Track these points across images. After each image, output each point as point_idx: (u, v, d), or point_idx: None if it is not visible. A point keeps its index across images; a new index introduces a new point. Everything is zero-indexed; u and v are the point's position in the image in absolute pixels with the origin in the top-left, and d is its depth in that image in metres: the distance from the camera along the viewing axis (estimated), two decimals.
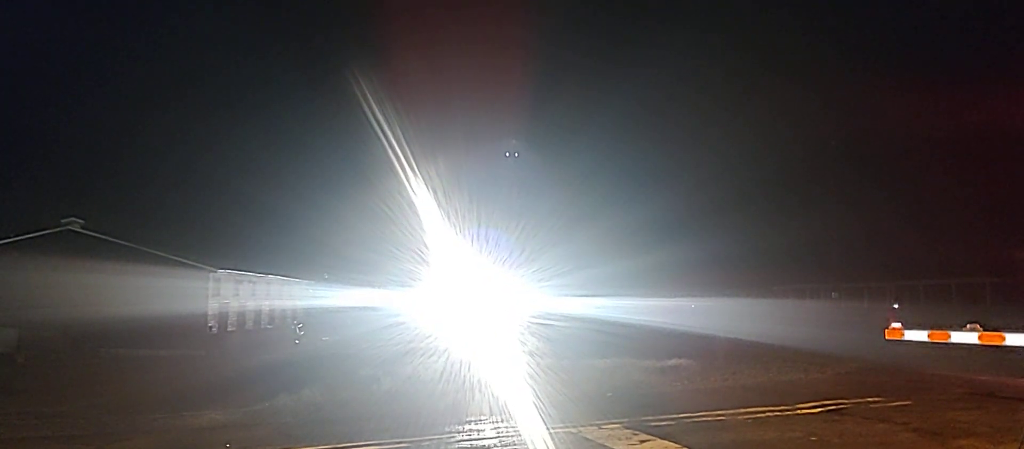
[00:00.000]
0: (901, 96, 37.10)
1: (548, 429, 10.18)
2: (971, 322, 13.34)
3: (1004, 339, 12.63)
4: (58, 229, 24.23)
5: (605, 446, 9.22)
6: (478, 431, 10.39)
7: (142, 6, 53.39)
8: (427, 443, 9.61)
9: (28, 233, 24.12)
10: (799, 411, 11.66)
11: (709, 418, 11.14)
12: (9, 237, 23.98)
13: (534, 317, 23.92)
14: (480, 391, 13.51)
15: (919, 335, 14.09)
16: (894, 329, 14.55)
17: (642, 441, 9.44)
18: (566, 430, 10.06)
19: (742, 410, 11.71)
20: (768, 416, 11.28)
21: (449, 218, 21.22)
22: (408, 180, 19.68)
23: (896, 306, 30.12)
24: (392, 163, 19.31)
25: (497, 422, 11.02)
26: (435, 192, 20.54)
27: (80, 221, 24.51)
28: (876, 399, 12.69)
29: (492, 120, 30.96)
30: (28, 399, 13.64)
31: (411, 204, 20.49)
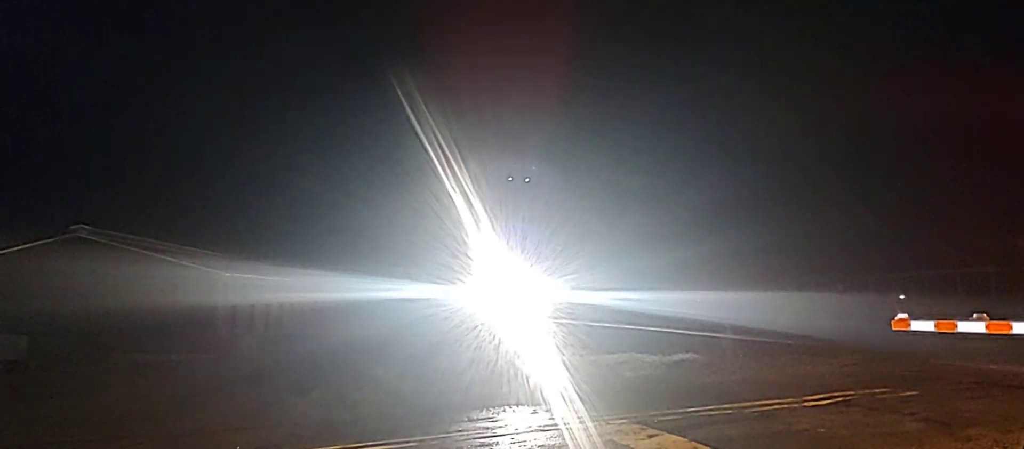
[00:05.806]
0: (904, 85, 36.98)
1: (556, 425, 10.26)
2: (978, 311, 13.37)
3: (1011, 328, 12.64)
4: (66, 236, 24.44)
5: (613, 441, 9.27)
6: (484, 428, 10.46)
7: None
8: (433, 441, 9.68)
9: (36, 241, 24.33)
10: (806, 403, 11.70)
11: (716, 412, 11.18)
12: (17, 245, 24.18)
13: (548, 313, 23.95)
14: (487, 387, 13.60)
15: (926, 325, 14.13)
16: (900, 320, 14.59)
17: (650, 436, 9.49)
18: (574, 425, 10.12)
19: (749, 403, 11.75)
20: (776, 409, 11.32)
21: (478, 209, 21.02)
22: (442, 171, 19.47)
23: (902, 297, 30.11)
24: (425, 151, 19.05)
25: (502, 419, 11.09)
26: (470, 184, 20.38)
27: (87, 227, 24.70)
28: (883, 390, 12.73)
29: (532, 109, 29.92)
30: (40, 405, 13.76)
31: (446, 195, 20.27)
